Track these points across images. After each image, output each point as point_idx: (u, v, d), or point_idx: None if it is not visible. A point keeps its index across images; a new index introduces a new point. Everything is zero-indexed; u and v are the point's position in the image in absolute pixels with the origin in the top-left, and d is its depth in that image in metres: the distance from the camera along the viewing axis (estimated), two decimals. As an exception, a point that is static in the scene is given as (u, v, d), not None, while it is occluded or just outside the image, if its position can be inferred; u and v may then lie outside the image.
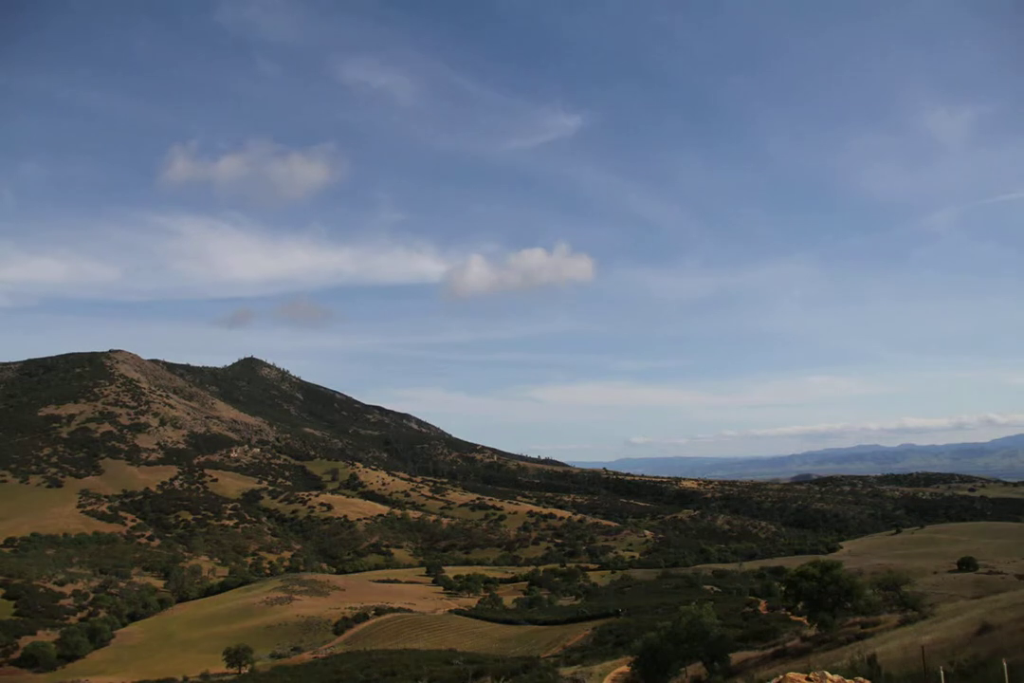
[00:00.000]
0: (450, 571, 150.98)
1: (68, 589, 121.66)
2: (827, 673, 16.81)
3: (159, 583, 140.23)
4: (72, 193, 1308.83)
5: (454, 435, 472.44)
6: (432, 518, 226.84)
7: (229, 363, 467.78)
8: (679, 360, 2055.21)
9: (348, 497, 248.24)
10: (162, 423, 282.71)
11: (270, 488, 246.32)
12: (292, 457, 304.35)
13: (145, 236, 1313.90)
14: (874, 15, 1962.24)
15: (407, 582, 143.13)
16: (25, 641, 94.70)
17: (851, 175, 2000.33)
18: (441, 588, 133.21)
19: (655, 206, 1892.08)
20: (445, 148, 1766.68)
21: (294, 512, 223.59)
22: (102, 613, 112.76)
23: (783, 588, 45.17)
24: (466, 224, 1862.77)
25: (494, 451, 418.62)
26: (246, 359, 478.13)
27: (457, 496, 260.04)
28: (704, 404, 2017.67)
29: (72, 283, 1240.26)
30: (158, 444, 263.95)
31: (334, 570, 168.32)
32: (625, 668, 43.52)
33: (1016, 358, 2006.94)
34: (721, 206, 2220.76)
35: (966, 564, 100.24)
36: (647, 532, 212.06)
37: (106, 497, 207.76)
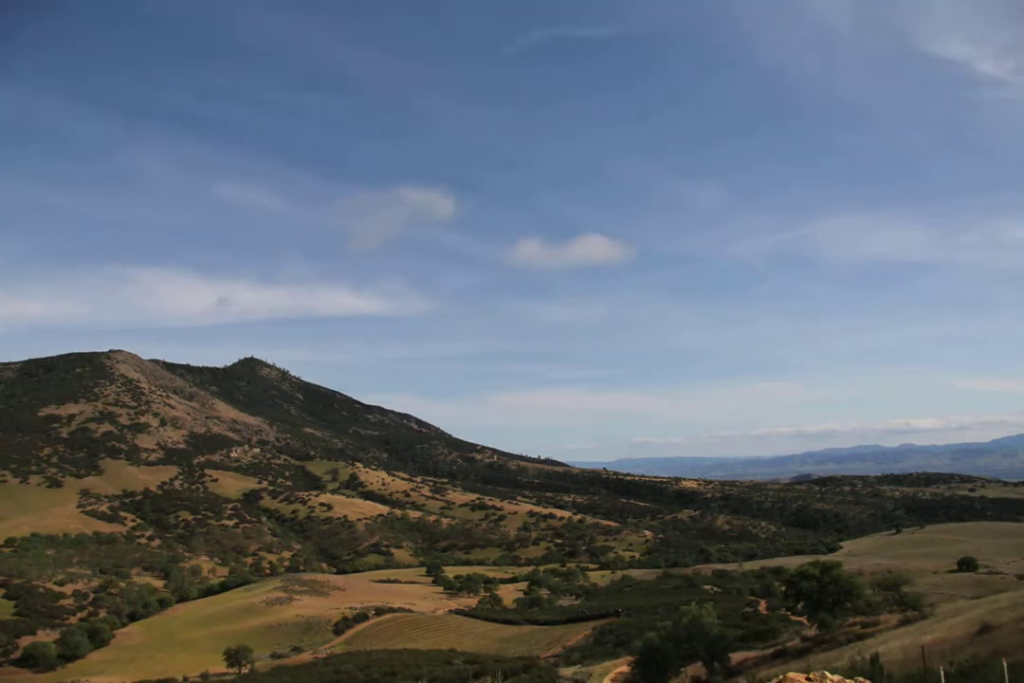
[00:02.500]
0: (450, 571, 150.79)
1: (68, 589, 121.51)
2: (827, 673, 16.82)
3: (159, 583, 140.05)
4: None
5: (454, 435, 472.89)
6: (432, 518, 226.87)
7: (229, 363, 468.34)
8: (616, 370, 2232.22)
9: (348, 497, 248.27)
10: (162, 423, 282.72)
11: (270, 488, 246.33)
12: (292, 457, 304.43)
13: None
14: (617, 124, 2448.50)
15: (407, 582, 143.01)
16: (25, 641, 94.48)
17: (650, 239, 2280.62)
18: (441, 588, 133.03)
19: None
20: (323, 222, 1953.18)
21: (294, 512, 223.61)
22: (102, 613, 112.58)
23: (783, 588, 45.19)
24: (371, 270, 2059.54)
25: (494, 451, 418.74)
26: (246, 359, 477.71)
27: (457, 496, 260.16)
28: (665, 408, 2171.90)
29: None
30: (158, 444, 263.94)
31: (334, 570, 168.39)
32: (625, 668, 43.54)
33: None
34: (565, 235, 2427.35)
35: (966, 564, 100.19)
36: (647, 532, 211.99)
37: (106, 497, 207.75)
